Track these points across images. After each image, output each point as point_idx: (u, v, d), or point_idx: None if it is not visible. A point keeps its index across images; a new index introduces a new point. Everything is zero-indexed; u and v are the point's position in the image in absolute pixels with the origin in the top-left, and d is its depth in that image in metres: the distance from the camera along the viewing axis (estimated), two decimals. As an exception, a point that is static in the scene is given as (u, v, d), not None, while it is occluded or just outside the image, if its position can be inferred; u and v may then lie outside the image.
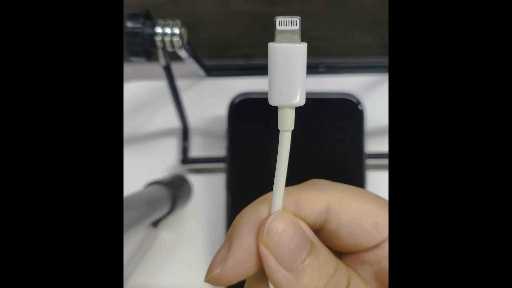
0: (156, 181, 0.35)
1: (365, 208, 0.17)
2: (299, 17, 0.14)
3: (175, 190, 0.34)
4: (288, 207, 0.16)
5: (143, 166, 0.39)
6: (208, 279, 0.16)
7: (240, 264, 0.16)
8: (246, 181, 0.35)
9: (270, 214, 0.16)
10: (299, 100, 0.14)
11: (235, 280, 0.16)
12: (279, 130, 0.15)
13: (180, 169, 0.39)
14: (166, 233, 0.38)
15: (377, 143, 0.38)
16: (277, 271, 0.15)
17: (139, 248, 0.36)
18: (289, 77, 0.14)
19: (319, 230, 0.17)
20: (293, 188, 0.17)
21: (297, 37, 0.14)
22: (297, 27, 0.14)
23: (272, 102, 0.15)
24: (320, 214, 0.17)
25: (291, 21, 0.14)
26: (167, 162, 0.39)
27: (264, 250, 0.15)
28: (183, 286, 0.37)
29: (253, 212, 0.16)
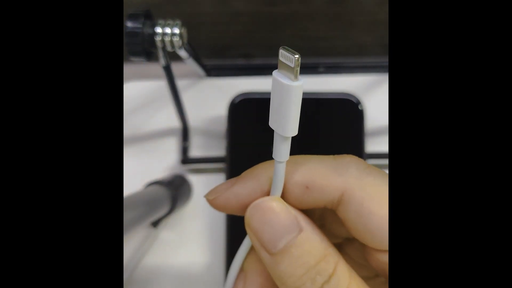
0: (156, 181, 0.35)
1: (376, 211, 0.16)
2: (298, 55, 0.13)
3: (175, 190, 0.34)
4: (296, 188, 0.16)
5: (143, 166, 0.39)
6: (206, 195, 0.17)
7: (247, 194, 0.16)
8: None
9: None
10: (290, 132, 0.15)
11: (227, 210, 0.16)
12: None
13: (180, 169, 0.39)
14: (166, 233, 0.38)
15: (377, 143, 0.38)
16: (260, 251, 0.15)
17: (139, 248, 0.36)
18: (283, 110, 0.14)
19: (325, 216, 0.17)
20: (310, 164, 0.16)
21: (293, 74, 0.14)
22: (292, 64, 0.14)
23: (270, 124, 0.15)
24: (332, 199, 0.16)
25: (290, 57, 0.14)
26: (167, 162, 0.40)
27: (248, 230, 0.16)
28: (183, 285, 0.37)
29: (265, 168, 0.17)
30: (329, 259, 0.15)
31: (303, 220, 0.16)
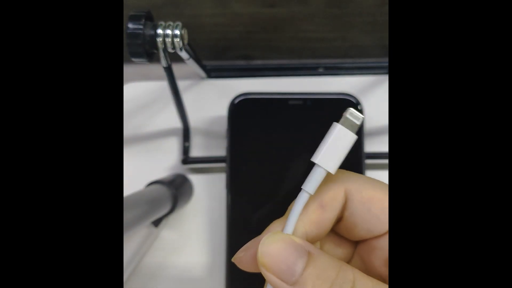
0: (157, 181, 0.35)
1: (375, 195, 0.18)
2: (363, 116, 0.18)
3: (176, 189, 0.34)
4: (315, 211, 0.18)
5: (144, 166, 0.39)
6: (233, 258, 0.18)
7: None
8: (246, 181, 0.35)
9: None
10: (333, 169, 0.18)
11: (253, 267, 0.18)
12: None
13: (181, 169, 0.39)
14: (167, 232, 0.38)
15: (376, 143, 0.38)
16: (281, 286, 0.16)
17: (140, 247, 0.36)
18: (336, 151, 0.18)
19: (340, 220, 0.19)
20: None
21: (354, 129, 0.18)
22: (359, 122, 0.18)
23: (314, 159, 0.18)
24: (341, 205, 0.18)
25: (358, 116, 0.18)
26: (168, 162, 0.40)
27: (265, 271, 0.16)
28: (184, 285, 0.37)
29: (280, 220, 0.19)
30: (345, 268, 0.16)
31: (308, 245, 0.17)
